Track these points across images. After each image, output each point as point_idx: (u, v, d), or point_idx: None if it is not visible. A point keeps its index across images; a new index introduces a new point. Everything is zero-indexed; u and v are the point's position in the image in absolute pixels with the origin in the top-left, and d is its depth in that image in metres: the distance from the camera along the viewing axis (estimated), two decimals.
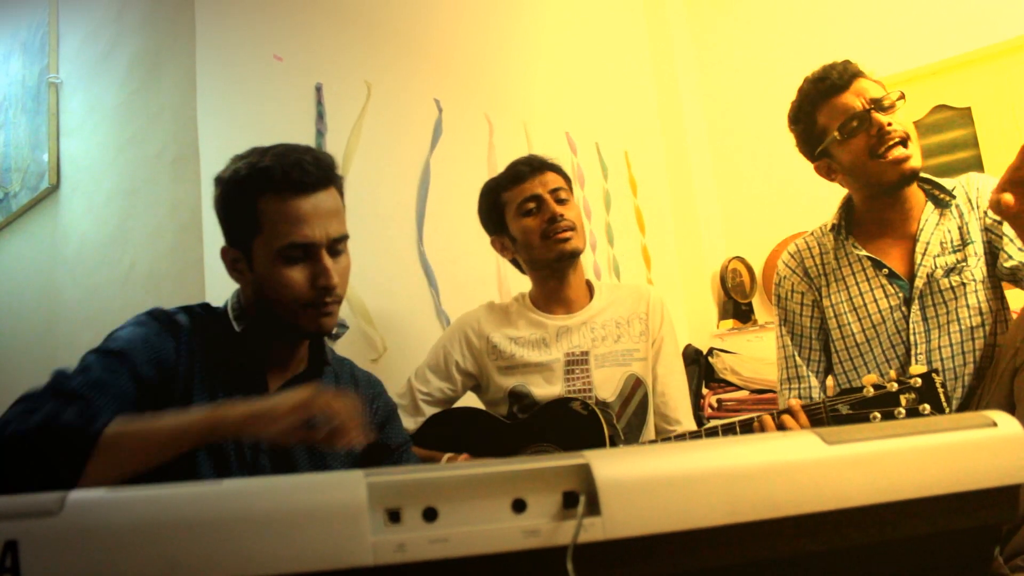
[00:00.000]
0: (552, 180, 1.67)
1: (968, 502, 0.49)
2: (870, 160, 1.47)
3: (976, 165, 2.90)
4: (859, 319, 1.58)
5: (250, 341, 1.18)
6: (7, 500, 0.40)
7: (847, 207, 1.64)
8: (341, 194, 1.19)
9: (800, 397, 1.63)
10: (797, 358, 1.65)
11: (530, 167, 1.68)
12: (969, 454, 0.50)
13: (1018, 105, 2.92)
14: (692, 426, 1.70)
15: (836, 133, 1.50)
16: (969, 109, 3.00)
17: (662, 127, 3.52)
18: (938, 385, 1.26)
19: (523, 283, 1.83)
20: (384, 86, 2.14)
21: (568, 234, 1.63)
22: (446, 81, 2.37)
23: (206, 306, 1.24)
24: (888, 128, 1.45)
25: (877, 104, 1.47)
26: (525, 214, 1.66)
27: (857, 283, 1.58)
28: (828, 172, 1.59)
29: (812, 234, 1.69)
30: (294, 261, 1.12)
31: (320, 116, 1.93)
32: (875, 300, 1.56)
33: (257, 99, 1.82)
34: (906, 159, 1.45)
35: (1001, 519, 0.51)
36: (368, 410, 1.31)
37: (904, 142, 1.46)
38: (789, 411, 1.34)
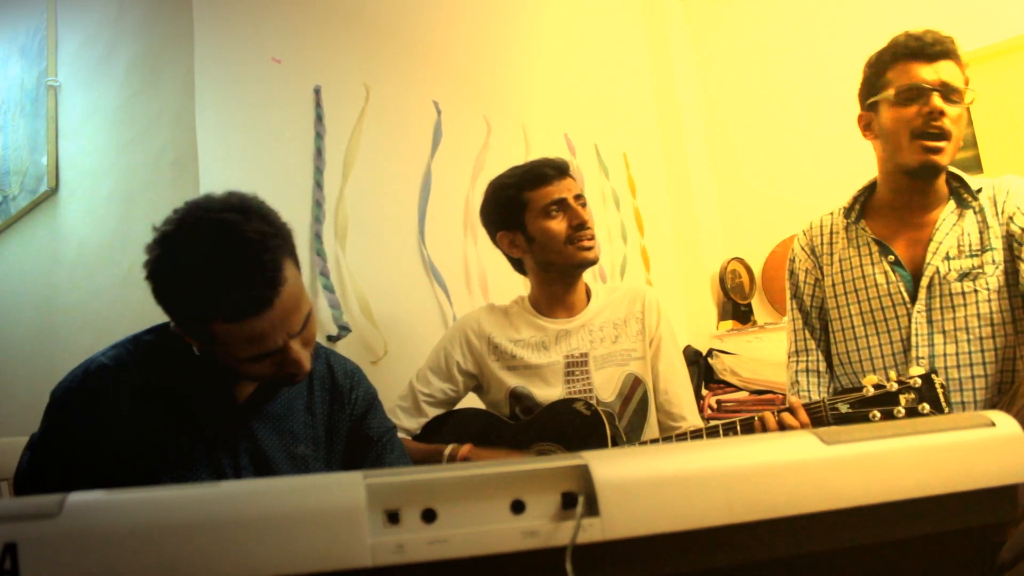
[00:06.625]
0: (574, 187, 1.67)
1: (966, 502, 0.49)
2: (906, 134, 1.46)
3: (975, 165, 2.91)
4: (858, 301, 1.56)
5: (211, 362, 1.10)
6: (7, 502, 0.40)
7: (864, 193, 1.63)
8: (295, 260, 1.05)
9: (807, 371, 1.66)
10: (805, 331, 1.67)
11: (556, 170, 1.66)
12: (967, 454, 0.50)
13: (1016, 105, 2.92)
14: (697, 421, 1.69)
15: (892, 91, 1.49)
16: (967, 109, 3.01)
17: (660, 128, 3.52)
18: (938, 386, 1.26)
19: (509, 286, 1.83)
20: (383, 88, 2.14)
21: (593, 243, 1.65)
22: (445, 83, 2.37)
23: (162, 329, 1.14)
24: (937, 115, 1.43)
25: (945, 88, 1.45)
26: (550, 216, 1.64)
27: (861, 265, 1.56)
28: (865, 127, 1.58)
29: (830, 214, 1.70)
30: (262, 359, 1.04)
31: (319, 118, 1.93)
32: (876, 285, 1.53)
33: (256, 101, 1.82)
34: (936, 151, 1.43)
35: (999, 519, 0.51)
36: (347, 401, 1.26)
37: (944, 136, 1.43)
38: (790, 409, 1.34)
